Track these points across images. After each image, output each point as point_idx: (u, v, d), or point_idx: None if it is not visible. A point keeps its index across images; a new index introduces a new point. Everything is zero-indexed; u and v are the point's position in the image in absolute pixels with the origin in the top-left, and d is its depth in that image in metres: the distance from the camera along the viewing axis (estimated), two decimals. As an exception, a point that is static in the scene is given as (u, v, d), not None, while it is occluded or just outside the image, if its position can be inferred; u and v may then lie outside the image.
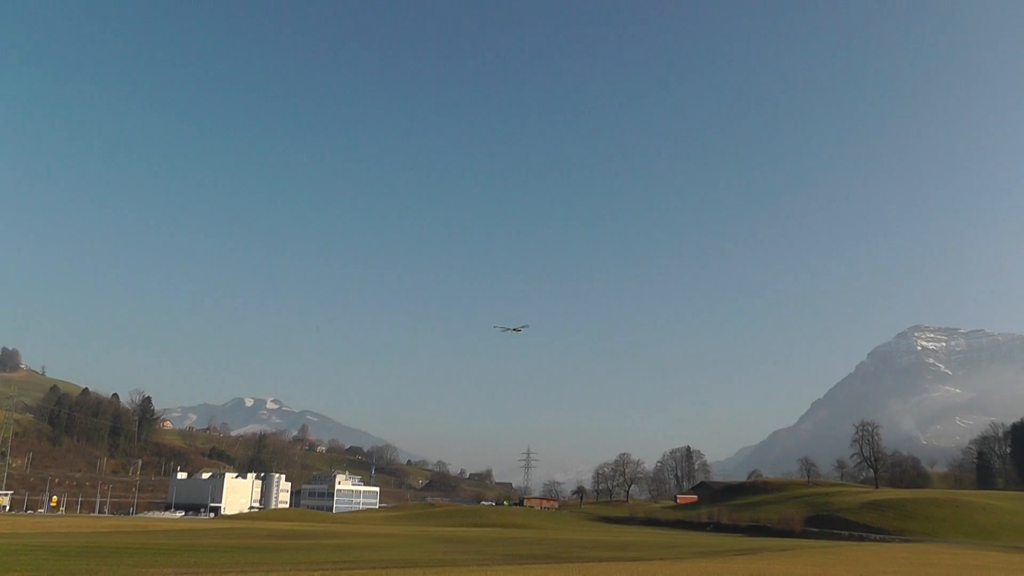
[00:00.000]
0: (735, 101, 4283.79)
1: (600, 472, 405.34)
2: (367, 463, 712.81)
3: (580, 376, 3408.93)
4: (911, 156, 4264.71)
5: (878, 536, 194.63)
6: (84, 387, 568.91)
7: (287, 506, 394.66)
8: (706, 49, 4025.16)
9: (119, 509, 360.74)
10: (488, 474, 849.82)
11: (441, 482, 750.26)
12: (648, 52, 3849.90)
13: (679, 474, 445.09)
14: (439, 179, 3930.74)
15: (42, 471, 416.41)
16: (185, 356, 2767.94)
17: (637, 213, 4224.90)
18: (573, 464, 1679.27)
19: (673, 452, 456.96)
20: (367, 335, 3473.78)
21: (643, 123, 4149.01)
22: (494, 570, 65.18)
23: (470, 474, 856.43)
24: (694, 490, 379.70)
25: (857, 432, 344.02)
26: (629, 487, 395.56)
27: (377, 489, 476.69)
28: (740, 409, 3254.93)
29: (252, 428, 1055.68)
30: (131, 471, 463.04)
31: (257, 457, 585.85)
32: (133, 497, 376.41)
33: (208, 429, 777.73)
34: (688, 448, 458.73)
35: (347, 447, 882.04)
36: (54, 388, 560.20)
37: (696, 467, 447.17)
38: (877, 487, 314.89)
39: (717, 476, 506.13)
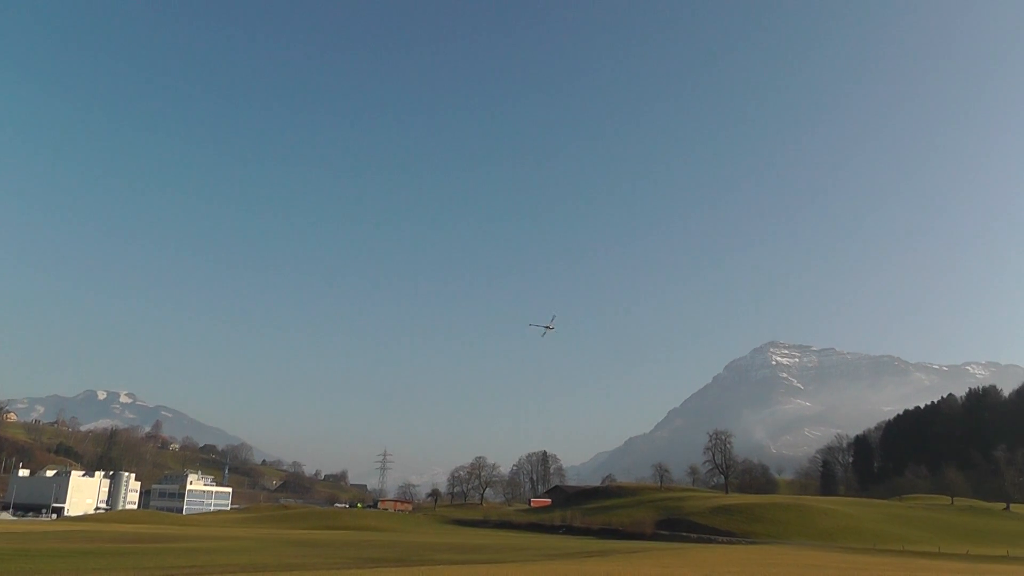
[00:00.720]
0: (598, 114, 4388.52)
1: (455, 475, 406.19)
2: (221, 463, 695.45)
3: (439, 378, 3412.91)
4: (775, 178, 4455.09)
5: (726, 538, 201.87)
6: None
7: (136, 507, 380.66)
8: (560, 58, 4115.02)
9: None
10: (343, 476, 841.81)
11: (295, 483, 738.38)
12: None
13: (534, 478, 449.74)
14: (292, 174, 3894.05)
15: None
16: (34, 344, 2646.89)
17: (505, 220, 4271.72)
18: (429, 467, 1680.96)
19: (529, 456, 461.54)
20: (227, 330, 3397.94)
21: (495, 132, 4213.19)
22: (344, 574, 65.67)
23: (325, 475, 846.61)
24: (548, 494, 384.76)
25: (710, 440, 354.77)
26: (484, 490, 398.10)
27: (230, 490, 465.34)
28: (598, 415, 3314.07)
29: (104, 423, 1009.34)
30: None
31: (107, 454, 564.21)
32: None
33: (56, 423, 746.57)
34: (544, 453, 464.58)
35: (201, 445, 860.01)
36: None
37: (552, 471, 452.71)
38: (727, 492, 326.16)
39: (572, 481, 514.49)
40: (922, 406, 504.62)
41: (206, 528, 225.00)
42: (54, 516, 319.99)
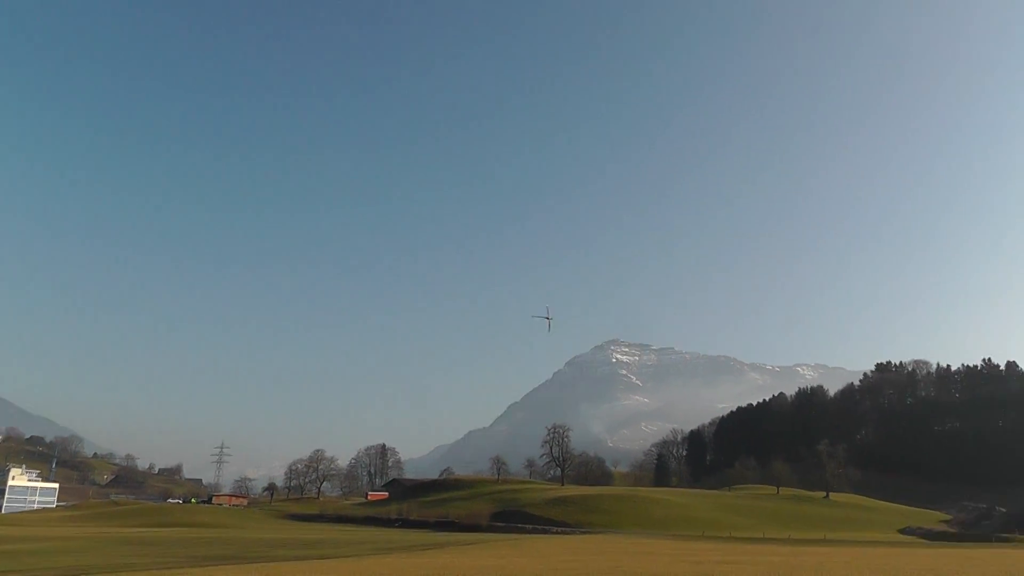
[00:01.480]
0: (438, 111, 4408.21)
1: (293, 468, 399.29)
2: (49, 455, 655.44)
3: (279, 369, 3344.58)
4: (619, 179, 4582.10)
5: (561, 529, 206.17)
6: None
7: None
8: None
9: None
10: (178, 469, 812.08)
11: (128, 478, 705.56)
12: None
13: (372, 471, 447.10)
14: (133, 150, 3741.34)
15: None
16: None
17: (348, 213, 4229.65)
18: (267, 460, 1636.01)
19: (368, 449, 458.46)
20: (58, 311, 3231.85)
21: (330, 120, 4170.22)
22: (175, 573, 63.98)
23: (159, 469, 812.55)
24: (386, 487, 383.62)
25: (548, 434, 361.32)
26: (321, 484, 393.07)
27: (56, 486, 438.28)
28: (438, 408, 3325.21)
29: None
30: None
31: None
32: None
33: None
34: (384, 445, 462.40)
35: (28, 436, 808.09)
36: None
37: (390, 464, 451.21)
38: (563, 484, 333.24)
39: (411, 474, 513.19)
40: (754, 403, 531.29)
41: (29, 528, 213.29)
42: None
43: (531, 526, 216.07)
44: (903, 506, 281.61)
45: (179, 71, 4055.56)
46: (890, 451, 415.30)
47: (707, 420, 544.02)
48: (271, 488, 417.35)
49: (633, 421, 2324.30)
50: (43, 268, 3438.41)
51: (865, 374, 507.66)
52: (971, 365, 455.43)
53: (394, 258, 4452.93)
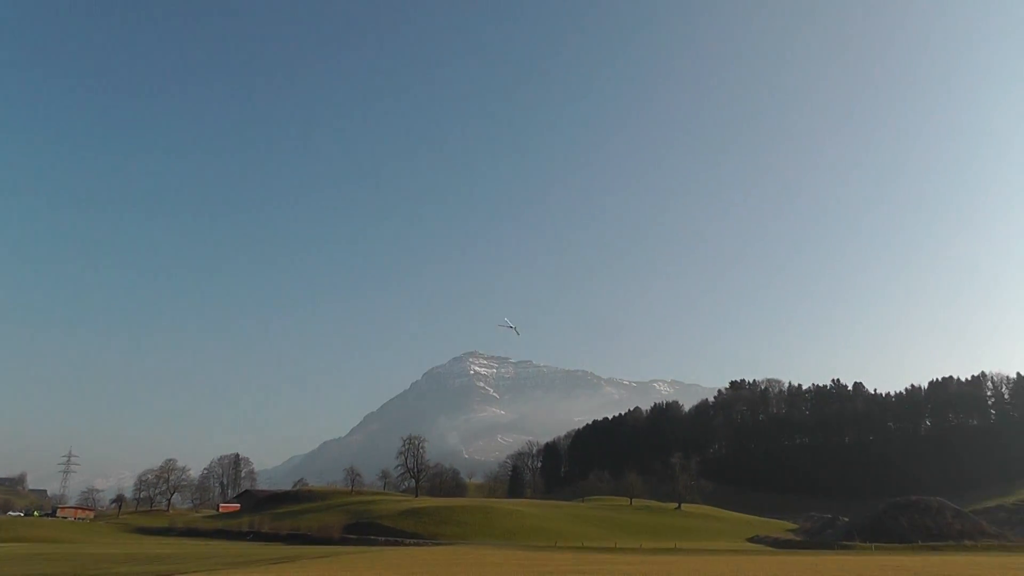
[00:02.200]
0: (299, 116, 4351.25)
1: (143, 479, 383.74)
2: None
3: (130, 374, 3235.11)
4: (480, 193, 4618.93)
5: (413, 541, 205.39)
6: None
7: None
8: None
9: None
10: (22, 479, 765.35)
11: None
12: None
13: (225, 482, 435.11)
14: None
15: None
16: None
17: (206, 214, 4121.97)
18: (117, 470, 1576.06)
19: (221, 459, 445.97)
20: None
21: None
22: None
23: (0, 479, 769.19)
24: (238, 498, 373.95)
25: (404, 445, 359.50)
26: (172, 495, 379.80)
27: None
28: (293, 417, 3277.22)
29: None
30: None
31: None
32: None
33: None
34: (237, 455, 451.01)
35: None
36: None
37: (243, 475, 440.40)
38: (417, 496, 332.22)
39: (265, 484, 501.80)
40: (610, 417, 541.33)
41: None
42: None
43: (384, 538, 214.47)
44: (752, 516, 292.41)
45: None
46: (741, 464, 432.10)
47: (563, 433, 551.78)
48: (119, 500, 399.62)
49: (489, 433, 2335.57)
50: None
51: (720, 391, 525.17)
52: (821, 385, 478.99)
53: (250, 263, 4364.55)
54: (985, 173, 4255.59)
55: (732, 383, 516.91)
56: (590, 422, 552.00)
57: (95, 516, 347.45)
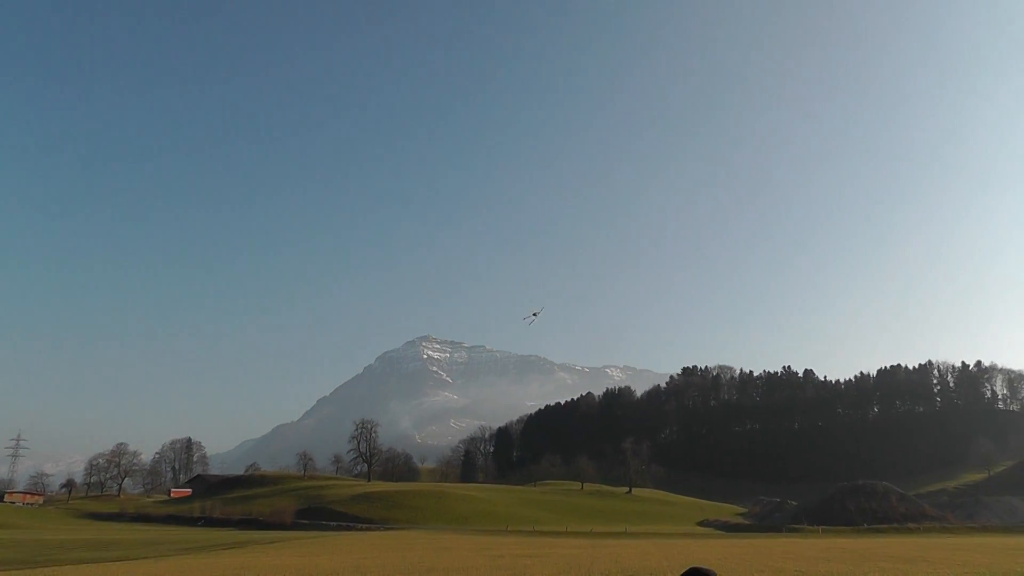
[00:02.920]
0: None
1: (94, 463, 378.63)
2: None
3: (80, 355, 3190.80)
4: (437, 183, 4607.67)
5: (365, 525, 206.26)
6: None
7: None
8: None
9: None
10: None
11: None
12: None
13: (177, 467, 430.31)
14: None
15: None
16: None
17: (160, 199, 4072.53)
18: (67, 454, 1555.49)
19: (173, 443, 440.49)
20: None
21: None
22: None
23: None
24: (190, 483, 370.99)
25: (356, 429, 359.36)
26: (123, 480, 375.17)
27: None
28: (246, 402, 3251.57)
29: None
30: None
31: None
32: None
33: None
34: (189, 439, 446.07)
35: None
36: None
37: (195, 459, 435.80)
38: (369, 480, 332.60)
39: (217, 469, 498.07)
40: (563, 402, 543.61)
41: None
42: None
43: (336, 523, 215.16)
44: (703, 500, 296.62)
45: None
46: (693, 450, 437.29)
47: (515, 418, 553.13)
48: (69, 485, 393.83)
49: (442, 418, 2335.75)
50: None
51: (672, 377, 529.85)
52: (772, 372, 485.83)
53: (203, 249, 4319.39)
54: (938, 172, 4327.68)
55: (684, 369, 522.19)
56: (542, 407, 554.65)
57: (44, 501, 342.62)
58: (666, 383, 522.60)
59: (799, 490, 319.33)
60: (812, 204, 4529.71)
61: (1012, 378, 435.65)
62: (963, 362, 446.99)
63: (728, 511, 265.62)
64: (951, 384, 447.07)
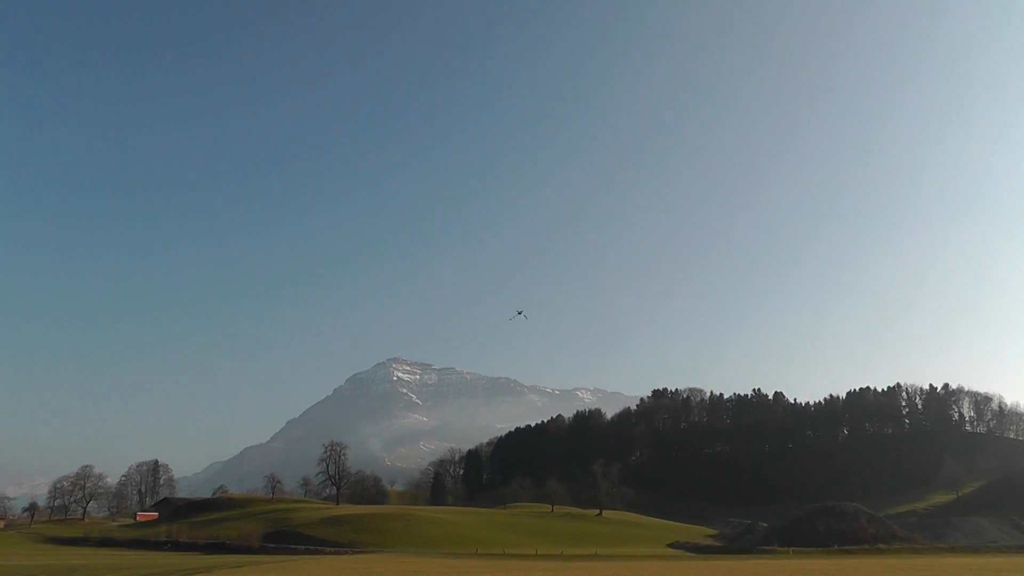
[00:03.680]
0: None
1: (58, 487, 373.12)
2: None
3: (44, 373, 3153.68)
4: (401, 196, 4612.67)
5: (333, 549, 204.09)
6: None
7: None
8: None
9: None
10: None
11: None
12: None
13: (143, 489, 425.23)
14: None
15: None
16: None
17: (114, 200, 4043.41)
18: (30, 477, 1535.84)
19: (139, 466, 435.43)
20: None
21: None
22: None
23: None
24: (156, 507, 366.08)
25: (325, 451, 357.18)
26: (88, 504, 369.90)
27: None
28: (214, 424, 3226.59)
29: None
30: None
31: None
32: None
33: None
34: (156, 462, 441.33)
35: None
36: None
37: (162, 482, 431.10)
38: (338, 503, 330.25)
39: (184, 492, 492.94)
40: (533, 424, 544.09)
41: None
42: None
43: (304, 547, 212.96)
44: (673, 522, 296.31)
45: None
46: (663, 471, 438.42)
47: (485, 440, 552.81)
48: (32, 508, 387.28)
49: (411, 440, 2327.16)
50: None
51: (642, 399, 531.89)
52: (742, 394, 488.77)
53: (173, 262, 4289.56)
54: (901, 189, 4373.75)
55: (654, 392, 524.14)
56: (512, 429, 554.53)
57: (5, 525, 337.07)
58: (636, 405, 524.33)
59: (769, 511, 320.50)
60: (781, 230, 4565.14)
61: (979, 400, 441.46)
62: (931, 384, 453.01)
63: (698, 533, 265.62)
64: (919, 406, 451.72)
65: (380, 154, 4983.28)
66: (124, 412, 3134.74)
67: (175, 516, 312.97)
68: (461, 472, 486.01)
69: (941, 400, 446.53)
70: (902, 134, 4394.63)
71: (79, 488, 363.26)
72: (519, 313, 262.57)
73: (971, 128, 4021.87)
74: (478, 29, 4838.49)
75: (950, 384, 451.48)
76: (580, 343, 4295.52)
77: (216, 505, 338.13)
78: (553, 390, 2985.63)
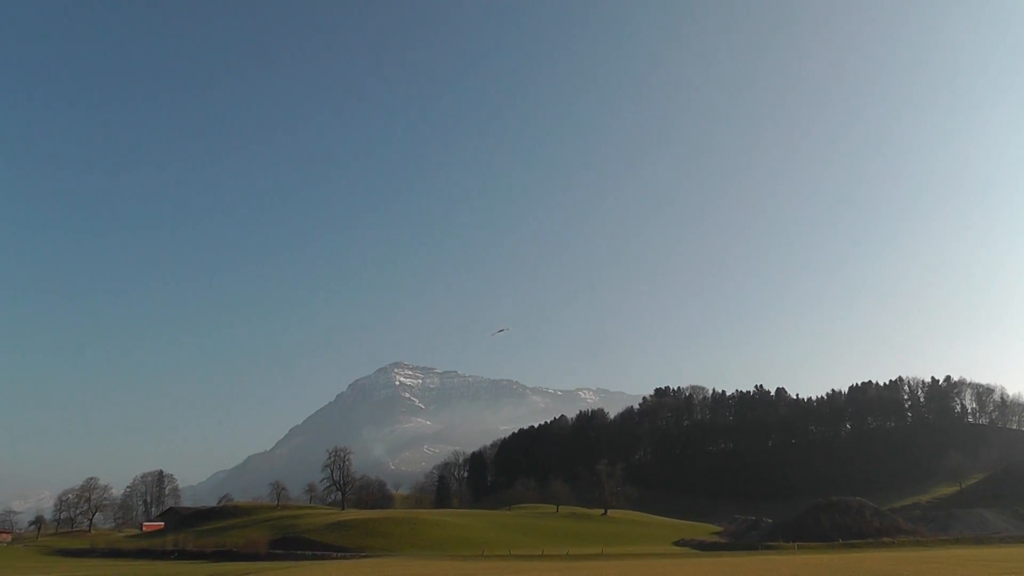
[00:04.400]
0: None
1: (64, 499, 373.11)
2: None
3: (47, 389, 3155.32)
4: (405, 205, 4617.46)
5: (340, 554, 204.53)
6: None
7: None
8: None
9: None
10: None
11: None
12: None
13: (148, 500, 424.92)
14: None
15: None
16: None
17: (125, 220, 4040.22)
18: (36, 490, 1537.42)
19: (144, 476, 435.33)
20: None
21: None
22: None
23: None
24: (162, 516, 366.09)
25: (330, 457, 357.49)
26: (93, 515, 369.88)
27: None
28: (217, 433, 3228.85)
29: None
30: None
31: None
32: None
33: None
34: (161, 472, 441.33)
35: None
36: None
37: (167, 492, 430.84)
38: (344, 508, 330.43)
39: (189, 501, 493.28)
40: (536, 426, 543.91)
41: None
42: None
43: (310, 552, 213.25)
44: (678, 520, 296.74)
45: None
46: (667, 470, 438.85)
47: (489, 442, 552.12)
48: (38, 521, 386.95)
49: (415, 444, 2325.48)
50: None
51: (644, 398, 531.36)
52: (744, 391, 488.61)
53: (169, 273, 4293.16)
54: (903, 184, 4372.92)
55: (657, 390, 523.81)
56: (516, 431, 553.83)
57: (12, 539, 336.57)
58: (639, 404, 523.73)
59: (774, 508, 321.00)
60: (781, 227, 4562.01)
61: (981, 392, 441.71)
62: (933, 377, 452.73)
63: (703, 530, 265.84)
64: (921, 399, 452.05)
65: (381, 160, 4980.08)
66: (127, 423, 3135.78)
67: (181, 525, 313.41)
68: (465, 475, 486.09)
69: (943, 392, 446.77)
70: (904, 130, 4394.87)
71: (84, 500, 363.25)
72: (500, 331, 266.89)
73: (976, 124, 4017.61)
74: (484, 35, 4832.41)
75: (952, 376, 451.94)
76: (582, 344, 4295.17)
77: (222, 513, 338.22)
78: (555, 391, 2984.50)
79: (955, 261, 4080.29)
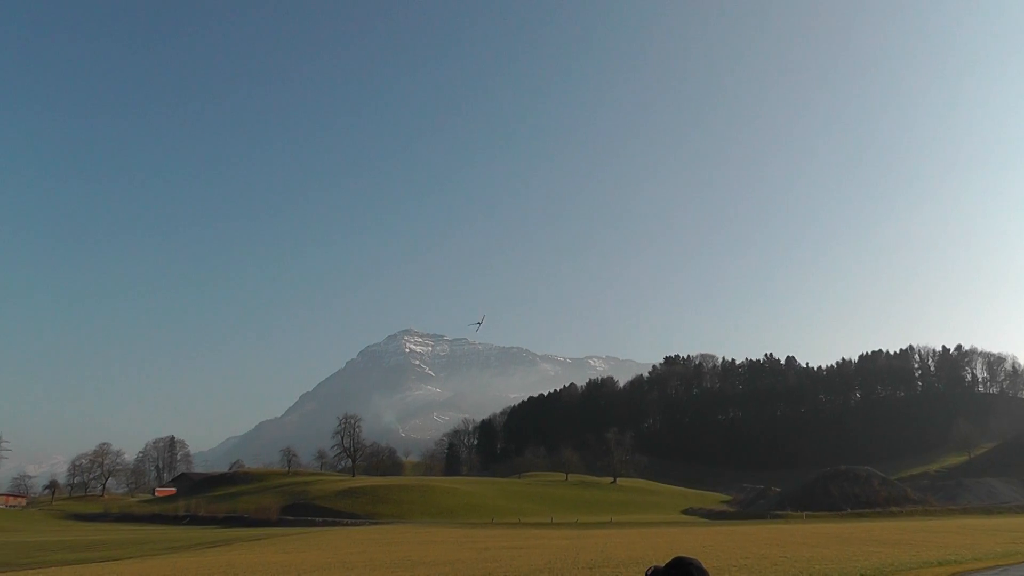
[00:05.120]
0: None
1: (77, 464, 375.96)
2: None
3: (61, 354, 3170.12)
4: (410, 170, 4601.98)
5: (350, 521, 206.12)
6: None
7: None
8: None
9: None
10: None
11: None
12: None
13: (160, 465, 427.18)
14: None
15: None
16: None
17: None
18: (50, 455, 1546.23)
19: (156, 442, 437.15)
20: None
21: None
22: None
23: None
24: (174, 482, 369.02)
25: (340, 424, 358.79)
26: (106, 480, 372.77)
27: None
28: (229, 399, 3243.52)
29: None
30: None
31: None
32: None
33: None
34: (172, 438, 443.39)
35: None
36: None
37: (179, 458, 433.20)
38: (354, 475, 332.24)
39: (201, 467, 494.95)
40: (546, 393, 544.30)
41: None
42: None
43: (321, 519, 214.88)
44: (687, 489, 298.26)
45: None
46: (676, 438, 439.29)
47: (499, 410, 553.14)
48: (53, 486, 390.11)
49: (425, 411, 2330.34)
50: None
51: (654, 366, 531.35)
52: (754, 359, 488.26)
53: (186, 241, 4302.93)
54: (915, 163, 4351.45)
55: (666, 359, 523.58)
56: (525, 399, 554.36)
57: (28, 503, 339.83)
58: (648, 373, 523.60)
59: (782, 476, 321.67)
60: (793, 196, 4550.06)
61: (991, 361, 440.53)
62: (943, 346, 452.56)
63: (712, 499, 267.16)
64: (931, 368, 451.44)
65: (391, 127, 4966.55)
66: (140, 390, 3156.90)
67: (193, 491, 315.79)
68: (475, 442, 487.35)
69: (954, 361, 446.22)
70: (913, 96, 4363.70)
71: (97, 465, 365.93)
72: (479, 323, 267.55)
73: (985, 90, 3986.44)
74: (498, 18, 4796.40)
75: (963, 345, 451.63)
76: (592, 311, 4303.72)
77: (233, 479, 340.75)
78: (565, 359, 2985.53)
79: (968, 229, 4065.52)
